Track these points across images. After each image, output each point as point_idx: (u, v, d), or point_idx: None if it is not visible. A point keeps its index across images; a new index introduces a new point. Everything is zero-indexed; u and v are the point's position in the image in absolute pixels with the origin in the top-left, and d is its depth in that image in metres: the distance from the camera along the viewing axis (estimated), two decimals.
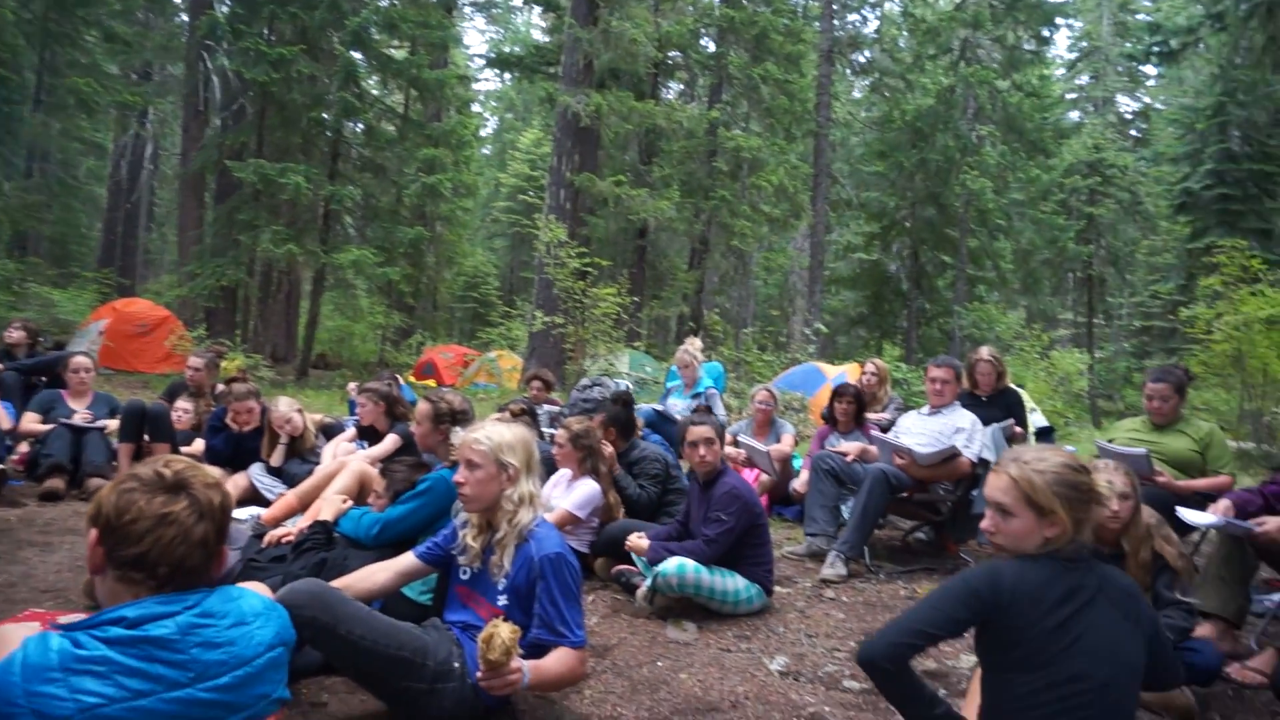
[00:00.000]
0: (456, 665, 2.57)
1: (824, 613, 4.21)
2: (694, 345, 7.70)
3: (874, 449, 5.30)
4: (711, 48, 19.94)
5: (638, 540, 4.08)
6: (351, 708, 2.80)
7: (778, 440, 6.33)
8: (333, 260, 15.10)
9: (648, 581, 3.94)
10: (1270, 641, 3.54)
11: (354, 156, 17.52)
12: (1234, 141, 21.81)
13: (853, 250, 25.09)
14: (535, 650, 2.55)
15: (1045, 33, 25.16)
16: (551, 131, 16.68)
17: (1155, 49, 24.38)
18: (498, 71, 25.60)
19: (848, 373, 10.62)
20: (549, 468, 4.73)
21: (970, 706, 2.22)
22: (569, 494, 4.47)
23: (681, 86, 24.73)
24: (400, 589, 3.10)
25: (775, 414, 6.60)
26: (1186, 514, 3.64)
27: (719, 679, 3.27)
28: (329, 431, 5.98)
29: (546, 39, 21.51)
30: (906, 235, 23.30)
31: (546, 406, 7.48)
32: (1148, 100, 33.36)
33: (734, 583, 3.95)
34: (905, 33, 23.88)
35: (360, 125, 17.17)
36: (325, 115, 15.85)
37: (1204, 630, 3.71)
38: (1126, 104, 33.66)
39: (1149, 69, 30.45)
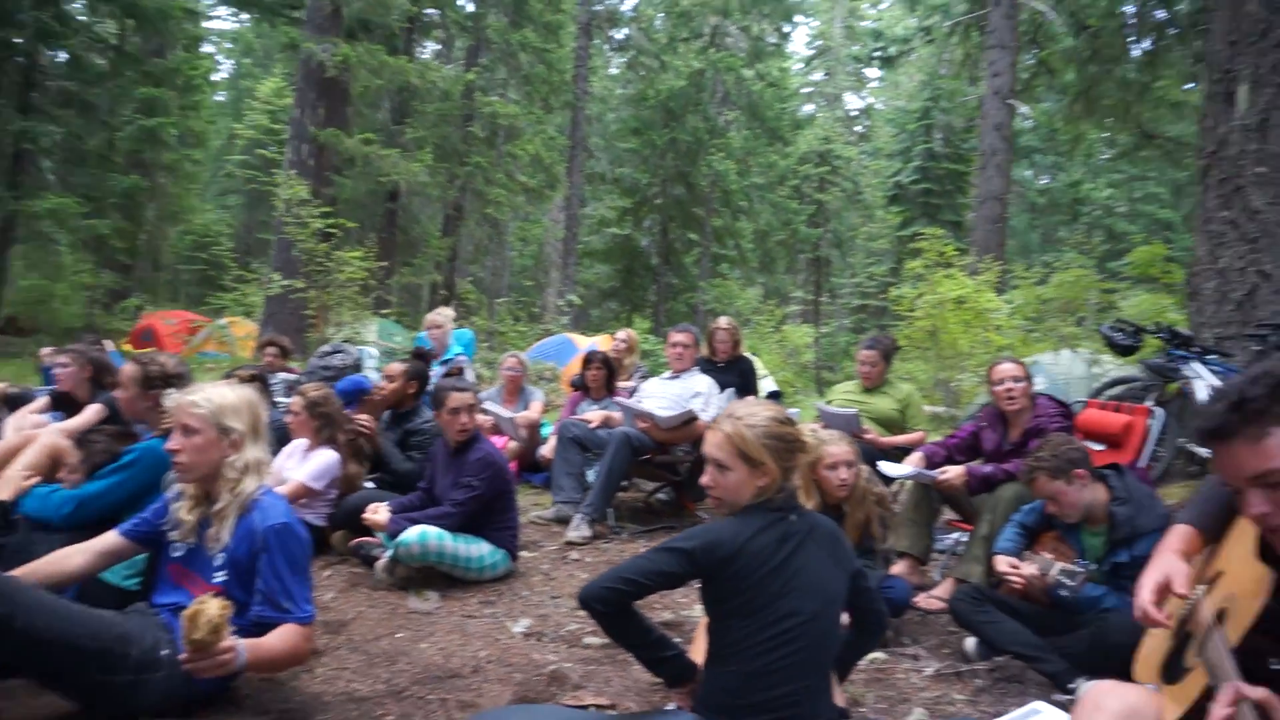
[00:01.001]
0: (165, 652, 2.33)
1: (568, 574, 4.30)
2: (444, 312, 7.53)
3: (618, 415, 5.47)
4: (470, 8, 19.41)
5: (374, 515, 3.94)
6: (34, 712, 2.46)
7: (526, 407, 6.36)
8: (25, 208, 13.09)
9: (388, 553, 3.82)
10: (949, 573, 4.07)
11: (54, 90, 15.24)
12: (937, 143, 24.70)
13: (606, 224, 25.63)
14: (259, 629, 2.37)
15: (786, 28, 26.97)
16: (294, 81, 15.45)
17: (877, 54, 26.93)
18: (234, 10, 23.35)
19: (599, 344, 10.87)
20: (282, 438, 4.44)
21: (696, 652, 2.36)
22: (304, 464, 4.22)
23: (438, 46, 23.90)
24: (100, 573, 2.76)
25: (525, 381, 6.61)
26: (886, 466, 4.10)
27: (461, 645, 3.25)
28: (13, 402, 5.21)
29: None
30: (657, 212, 24.16)
31: (282, 375, 6.98)
32: (870, 100, 36.85)
33: (479, 549, 3.93)
34: (661, 14, 24.61)
35: (63, 54, 14.94)
36: (16, 39, 13.62)
37: (897, 568, 4.21)
38: (854, 101, 36.99)
39: (872, 71, 33.63)
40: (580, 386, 6.33)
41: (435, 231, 20.32)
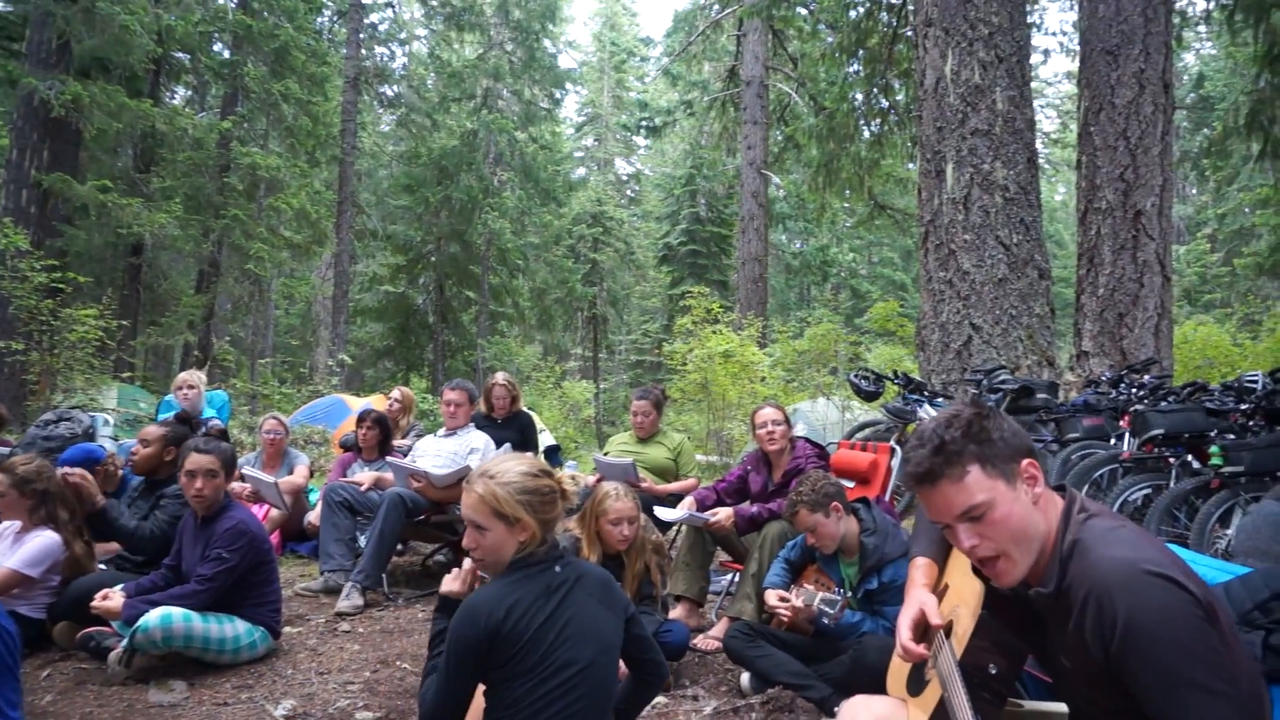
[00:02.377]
0: None
1: (338, 647, 4.03)
2: (195, 374, 6.91)
3: (389, 475, 5.24)
4: (226, 54, 18.32)
5: (104, 602, 3.48)
6: None
7: (290, 472, 5.94)
8: None
9: (124, 642, 3.38)
10: (723, 612, 4.22)
11: None
12: (701, 208, 26.26)
13: (379, 282, 24.82)
14: None
15: (557, 94, 27.80)
16: (12, 121, 13.78)
17: (644, 123, 28.38)
18: None
19: (373, 403, 10.41)
20: None
21: (472, 715, 2.26)
22: (16, 549, 3.66)
23: (189, 92, 22.33)
24: None
25: (287, 444, 6.19)
26: (662, 512, 4.22)
27: None
28: None
29: (6, 7, 17.84)
30: (432, 269, 23.76)
31: None
32: (639, 165, 38.62)
33: (233, 628, 3.58)
34: (433, 74, 24.53)
35: None
36: None
37: (676, 612, 4.31)
38: (624, 166, 38.59)
39: (640, 139, 35.30)
40: (351, 447, 6.02)
41: (188, 288, 18.70)
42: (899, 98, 14.17)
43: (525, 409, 6.61)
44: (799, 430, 6.77)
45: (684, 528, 4.53)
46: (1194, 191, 28.77)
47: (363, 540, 5.00)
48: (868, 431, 6.69)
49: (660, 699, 3.39)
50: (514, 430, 6.04)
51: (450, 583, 2.31)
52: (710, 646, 3.94)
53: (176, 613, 3.38)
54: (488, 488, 2.09)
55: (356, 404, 11.49)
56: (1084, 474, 4.83)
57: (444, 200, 22.15)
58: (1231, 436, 4.61)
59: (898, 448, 4.72)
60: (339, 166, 20.95)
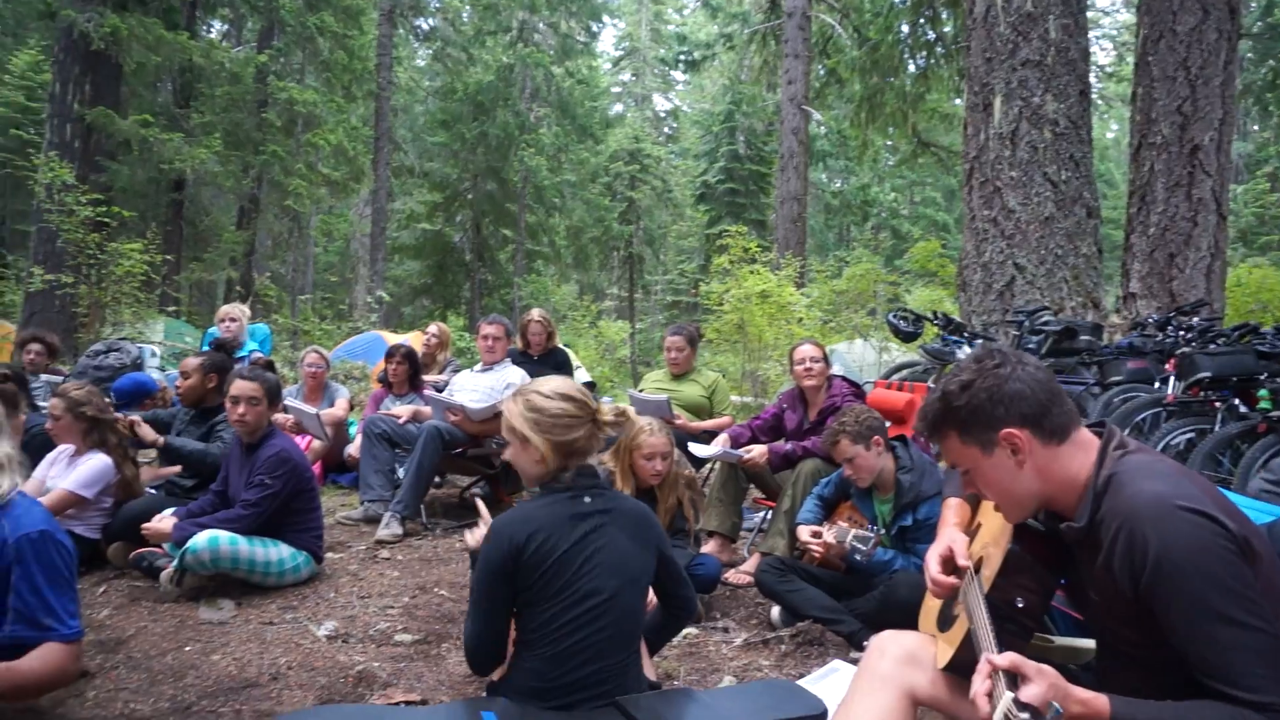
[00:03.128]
0: None
1: (378, 573, 4.14)
2: (239, 306, 7.04)
3: (427, 409, 5.32)
4: None
5: (158, 524, 3.61)
6: None
7: (331, 405, 6.06)
8: None
9: (174, 563, 3.51)
10: (755, 548, 4.26)
11: None
12: (740, 145, 25.80)
13: (416, 220, 24.89)
14: (14, 652, 2.10)
15: (594, 27, 27.26)
16: (53, 54, 13.86)
17: (682, 57, 27.77)
18: None
19: (411, 341, 10.53)
20: (46, 445, 3.98)
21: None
22: (70, 471, 3.80)
23: (225, 26, 22.28)
24: None
25: (328, 378, 6.30)
26: (696, 448, 4.24)
27: (258, 654, 3.04)
28: None
29: None
30: (469, 207, 23.74)
31: (46, 376, 6.27)
32: (677, 101, 37.96)
33: (277, 552, 3.69)
34: (468, 6, 24.16)
35: None
36: None
37: (708, 546, 4.36)
38: (662, 102, 37.96)
39: (678, 74, 34.65)
40: (384, 382, 6.11)
41: (229, 224, 18.93)
42: (946, 29, 13.69)
43: (561, 345, 6.63)
44: (836, 371, 6.72)
45: (717, 464, 4.55)
46: (1256, 128, 27.58)
47: (401, 472, 5.10)
48: (905, 373, 6.63)
49: (691, 630, 3.45)
50: (550, 366, 6.07)
51: (471, 539, 2.34)
52: (742, 581, 3.99)
53: (223, 535, 3.50)
54: (509, 403, 2.16)
55: (394, 340, 11.63)
56: (1126, 417, 4.74)
57: (480, 137, 22.00)
58: None
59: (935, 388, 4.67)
60: (375, 102, 20.86)
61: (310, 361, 6.14)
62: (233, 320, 6.71)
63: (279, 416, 5.28)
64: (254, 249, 18.24)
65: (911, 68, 14.80)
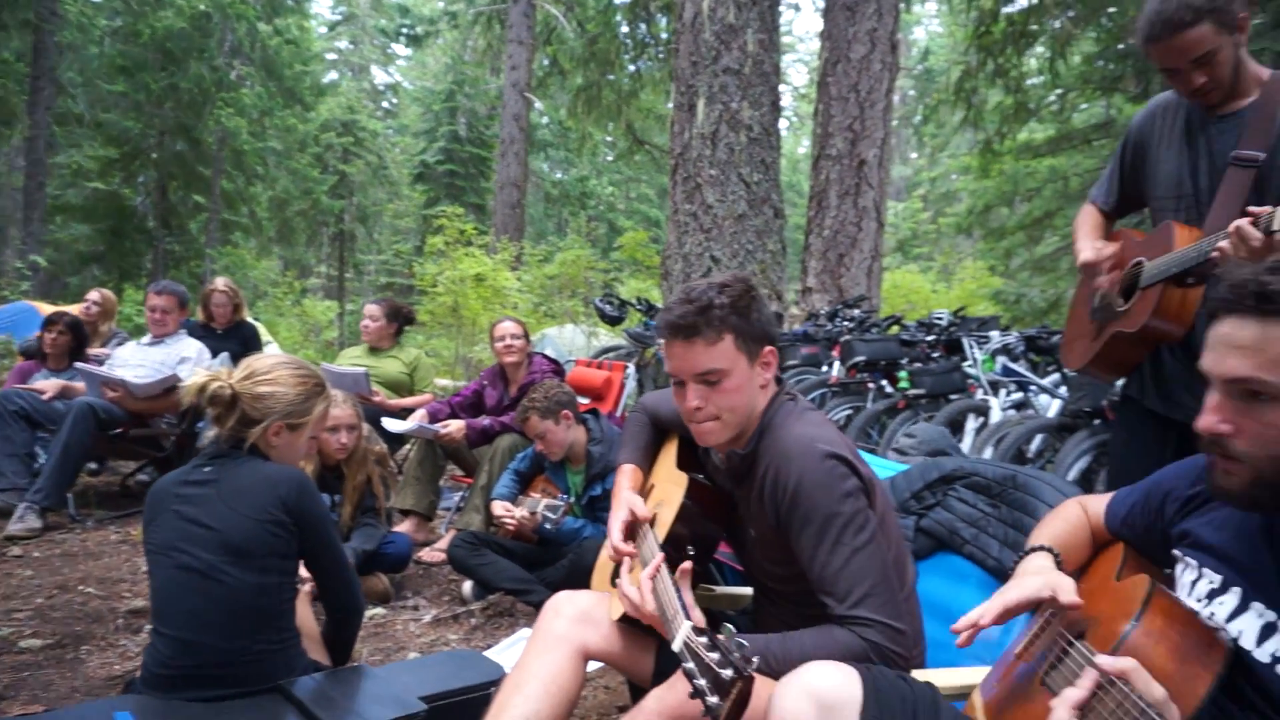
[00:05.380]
0: None
1: (5, 573, 3.55)
2: None
3: (80, 385, 4.65)
4: None
5: None
6: None
7: None
8: None
9: None
10: (452, 525, 4.19)
11: None
12: (461, 126, 25.36)
13: (86, 177, 21.68)
14: None
15: None
16: None
17: (405, 30, 26.78)
18: None
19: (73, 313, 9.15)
20: None
21: None
22: None
23: None
24: None
25: None
26: (389, 423, 4.08)
27: None
28: None
29: None
30: (153, 168, 21.12)
31: None
32: (398, 76, 36.45)
33: None
34: None
35: None
36: None
37: (404, 526, 4.23)
38: (381, 75, 36.22)
39: (400, 48, 33.27)
40: (34, 354, 5.25)
41: None
42: (663, 34, 14.38)
43: (250, 319, 6.10)
44: (548, 354, 6.81)
45: (416, 442, 4.41)
46: (914, 155, 31.94)
47: (44, 457, 4.40)
48: (611, 355, 6.86)
49: (379, 610, 3.33)
50: (235, 341, 5.55)
51: None
52: (435, 559, 3.91)
53: None
54: None
55: (51, 312, 10.06)
56: None
57: (169, 90, 19.60)
58: (919, 365, 5.21)
59: (632, 368, 4.88)
60: (33, 34, 17.87)
61: None
62: None
63: None
64: None
65: (631, 68, 15.38)
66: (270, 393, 2.09)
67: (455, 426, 4.04)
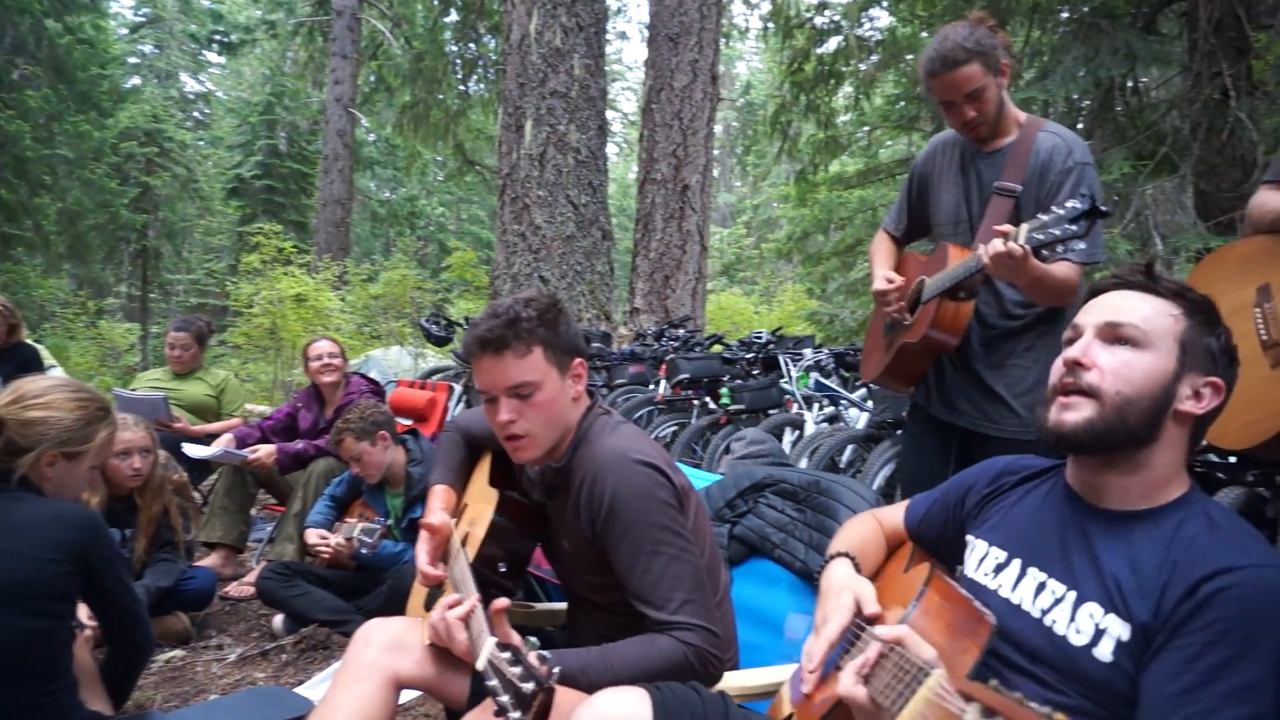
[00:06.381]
0: None
1: None
2: None
3: None
4: None
5: None
6: None
7: None
8: None
9: None
10: (264, 557, 3.95)
11: None
12: (281, 140, 24.18)
13: None
14: None
15: None
16: None
17: (218, 38, 25.27)
18: None
19: None
20: None
21: None
22: None
23: None
24: None
25: None
26: (190, 449, 3.80)
27: None
28: None
29: None
30: None
31: None
32: (210, 85, 34.30)
33: None
34: None
35: None
36: None
37: (210, 560, 3.94)
38: (192, 83, 33.95)
39: (212, 55, 31.35)
40: None
41: None
42: (492, 55, 14.33)
43: (29, 341, 5.52)
44: (373, 377, 6.57)
45: (224, 469, 4.13)
46: (738, 184, 33.34)
47: None
48: (438, 377, 6.71)
49: (176, 652, 3.09)
50: (12, 364, 4.99)
51: None
52: (244, 594, 3.67)
53: None
54: None
55: None
56: (627, 414, 5.34)
57: None
58: (739, 382, 5.42)
59: (457, 387, 4.80)
60: None
61: None
62: None
63: None
64: None
65: (462, 89, 15.23)
66: (42, 418, 1.90)
67: (265, 451, 3.81)
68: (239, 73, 31.16)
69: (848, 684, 1.14)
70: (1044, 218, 1.77)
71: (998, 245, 1.86)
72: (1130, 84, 7.15)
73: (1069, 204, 1.74)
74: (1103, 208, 1.71)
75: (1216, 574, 1.07)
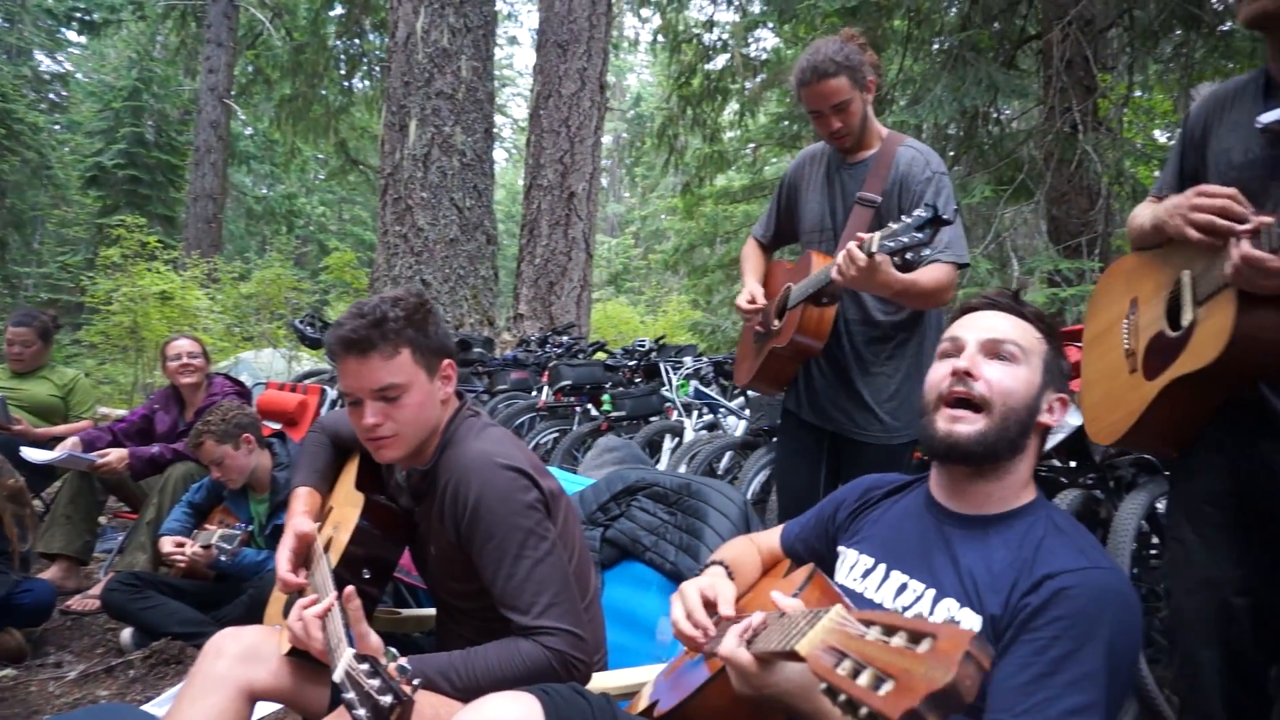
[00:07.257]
0: None
1: None
2: None
3: None
4: None
5: None
6: None
7: None
8: None
9: None
10: (112, 569, 3.72)
11: None
12: (148, 129, 22.84)
13: None
14: None
15: None
16: None
17: (78, 15, 23.67)
18: None
19: None
20: None
21: None
22: None
23: None
24: None
25: None
26: (29, 452, 3.55)
27: None
28: None
29: None
30: None
31: None
32: (69, 66, 32.08)
33: None
34: None
35: None
36: None
37: (50, 572, 3.68)
38: (48, 63, 31.64)
39: (72, 34, 29.33)
40: None
41: None
42: (377, 51, 13.98)
43: None
44: (243, 380, 6.26)
45: (69, 475, 3.86)
46: (627, 195, 33.60)
47: None
48: (313, 380, 6.47)
49: (8, 671, 2.86)
50: None
51: None
52: (88, 607, 3.45)
53: None
54: None
55: None
56: (508, 420, 5.29)
57: None
58: (621, 389, 5.46)
59: (330, 390, 4.65)
60: None
61: None
62: None
63: None
64: None
65: (345, 84, 14.79)
66: None
67: (116, 455, 3.58)
68: (102, 54, 29.29)
69: (730, 646, 1.16)
70: (894, 226, 1.87)
71: (854, 251, 1.94)
72: (994, 114, 7.62)
73: (915, 213, 1.85)
74: (944, 215, 1.83)
75: (1060, 573, 1.17)
